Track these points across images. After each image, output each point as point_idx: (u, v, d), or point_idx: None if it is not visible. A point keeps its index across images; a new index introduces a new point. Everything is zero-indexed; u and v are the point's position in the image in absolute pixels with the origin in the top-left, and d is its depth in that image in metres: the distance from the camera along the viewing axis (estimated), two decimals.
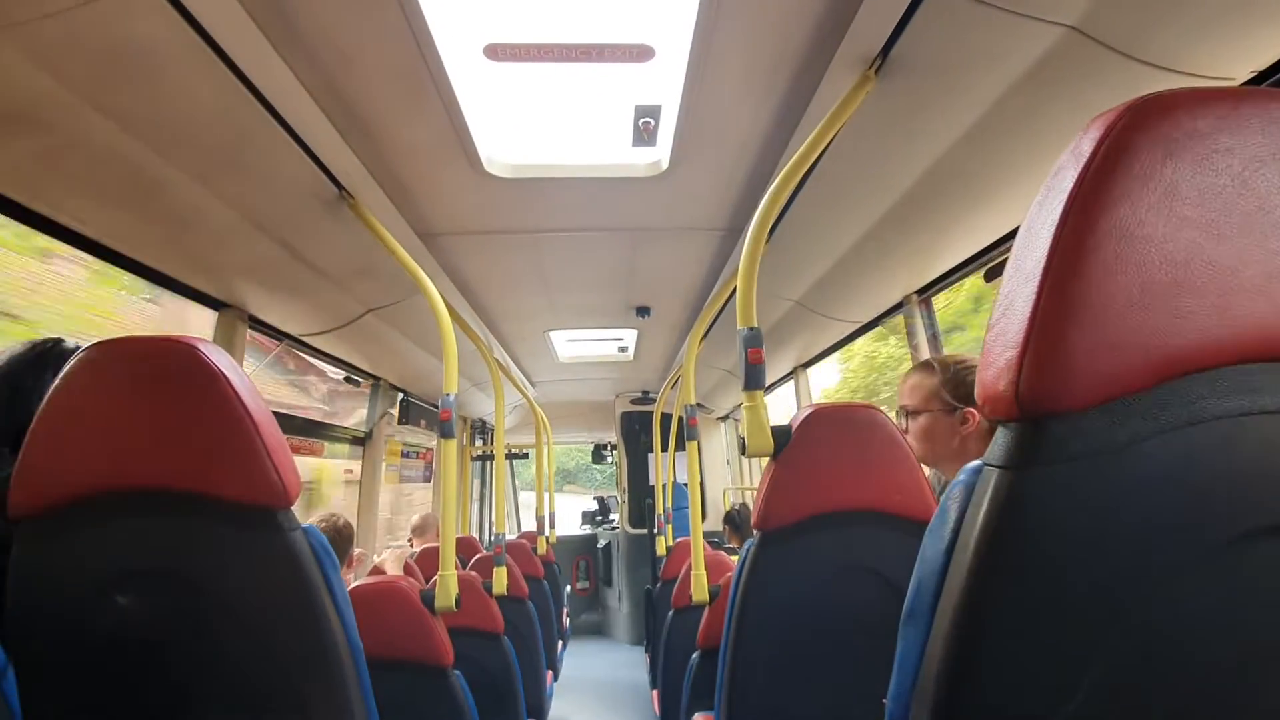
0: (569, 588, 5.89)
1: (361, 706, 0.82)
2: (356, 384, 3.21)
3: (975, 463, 0.43)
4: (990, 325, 0.42)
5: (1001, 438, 0.41)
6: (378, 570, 2.39)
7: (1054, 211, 0.39)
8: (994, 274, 1.86)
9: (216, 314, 1.96)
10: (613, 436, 5.67)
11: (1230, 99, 0.40)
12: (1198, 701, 0.38)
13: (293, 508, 0.80)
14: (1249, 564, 0.38)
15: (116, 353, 0.77)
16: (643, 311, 2.99)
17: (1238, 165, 0.39)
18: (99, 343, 0.78)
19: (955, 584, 0.40)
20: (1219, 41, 1.01)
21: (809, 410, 1.14)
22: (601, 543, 6.08)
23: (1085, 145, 0.40)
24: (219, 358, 0.78)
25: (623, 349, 3.91)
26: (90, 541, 0.76)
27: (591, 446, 6.89)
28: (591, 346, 3.87)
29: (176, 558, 0.76)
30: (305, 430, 3.00)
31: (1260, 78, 1.06)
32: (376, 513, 3.21)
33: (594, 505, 6.81)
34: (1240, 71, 1.06)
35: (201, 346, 0.77)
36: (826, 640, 1.10)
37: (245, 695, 0.77)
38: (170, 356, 0.76)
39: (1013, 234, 1.73)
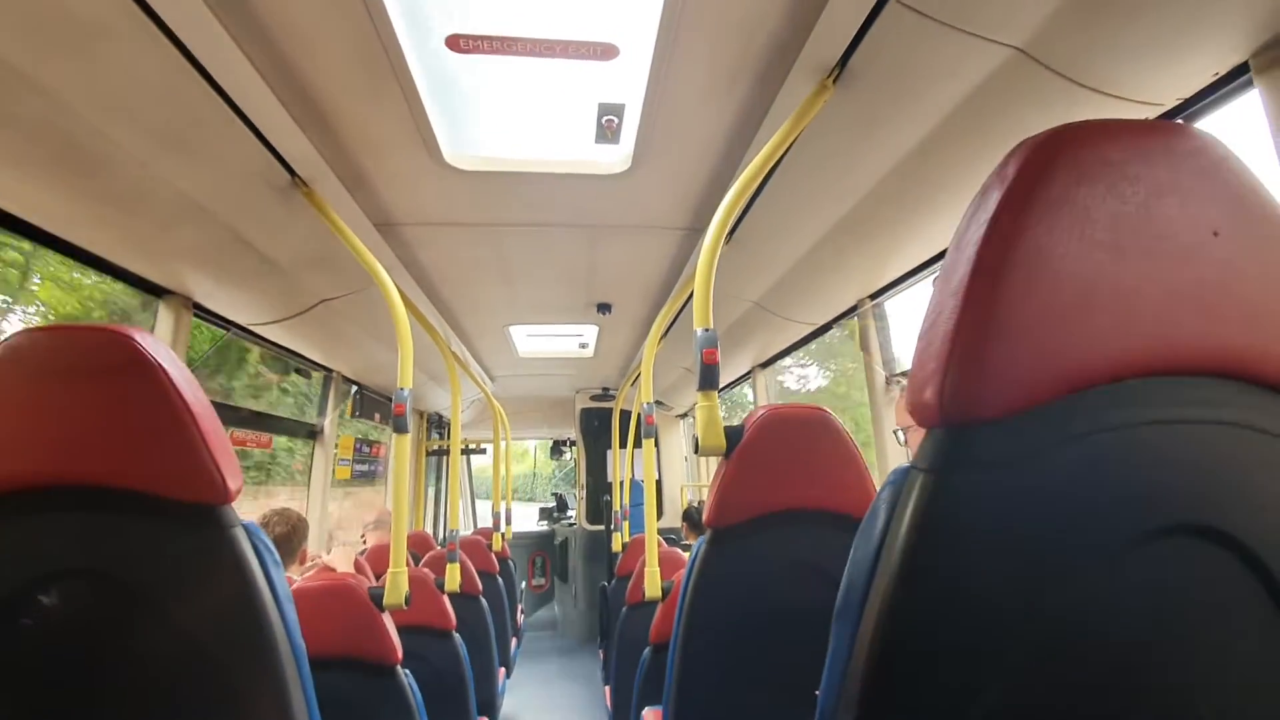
0: (524, 584, 5.86)
1: (303, 708, 0.80)
2: (307, 376, 3.13)
3: (904, 465, 0.45)
4: (920, 335, 0.45)
5: (927, 442, 0.43)
6: (326, 567, 2.34)
7: (979, 230, 0.42)
8: None
9: (159, 301, 1.89)
10: (572, 432, 5.66)
11: (1140, 131, 0.43)
12: (1103, 689, 0.41)
13: (234, 503, 0.78)
14: (1147, 562, 0.41)
15: (45, 341, 0.74)
16: (604, 308, 2.99)
17: (1143, 193, 0.42)
18: (26, 330, 0.74)
19: (882, 581, 0.42)
20: (1150, 70, 1.07)
21: (762, 411, 1.16)
22: (558, 539, 6.07)
23: (1010, 168, 0.43)
24: (156, 349, 0.75)
25: (583, 345, 3.90)
26: (12, 539, 0.73)
27: (550, 442, 6.87)
28: (552, 342, 3.85)
29: (107, 557, 0.73)
30: (252, 422, 2.91)
31: (1185, 105, 1.13)
32: (326, 508, 3.13)
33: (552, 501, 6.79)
34: (1168, 98, 1.13)
35: (138, 336, 0.74)
36: (774, 636, 1.13)
37: (180, 699, 0.74)
38: (104, 346, 0.73)
39: None
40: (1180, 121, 1.14)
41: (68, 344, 0.73)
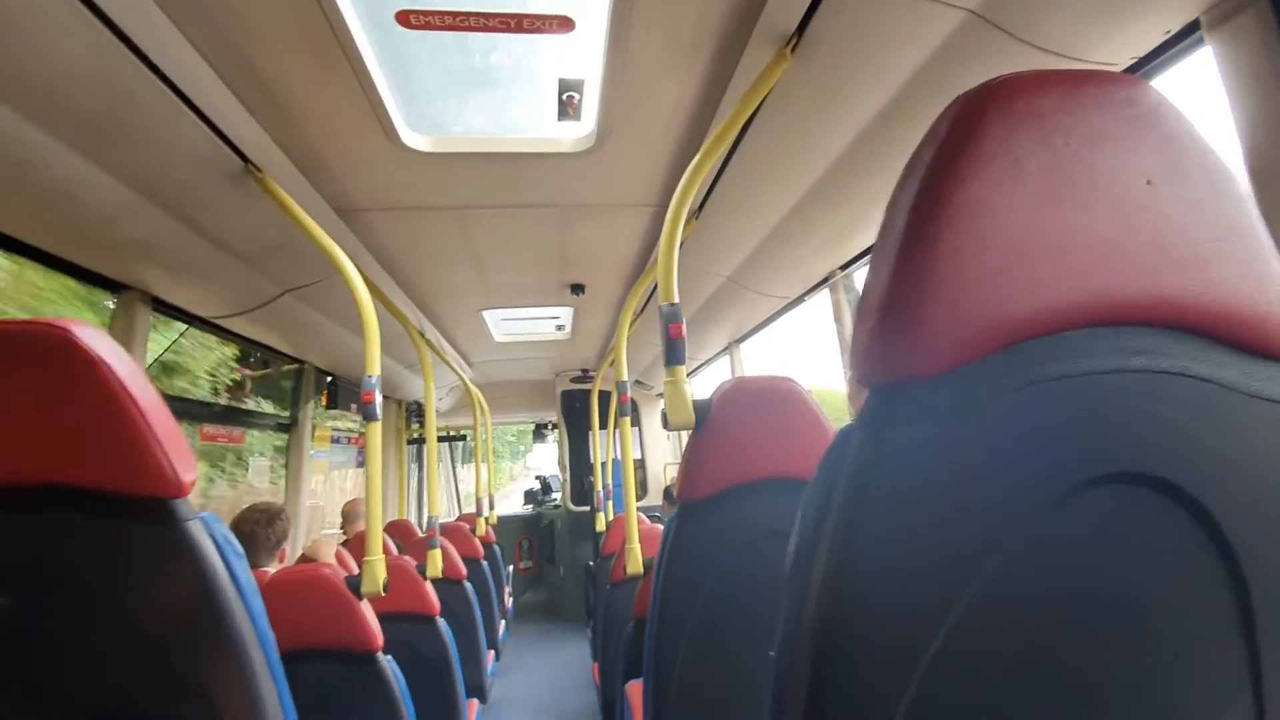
0: (512, 567, 5.89)
1: (274, 699, 0.79)
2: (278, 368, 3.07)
3: (847, 425, 0.45)
4: (860, 298, 0.45)
5: (868, 402, 0.43)
6: (307, 558, 2.32)
7: (912, 189, 0.42)
8: None
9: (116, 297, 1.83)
10: (554, 416, 5.66)
11: (1071, 81, 0.43)
12: (1047, 636, 0.41)
13: (189, 496, 0.77)
14: (1085, 511, 0.41)
15: None
16: (577, 289, 2.97)
17: (1076, 143, 0.42)
18: None
19: (826, 541, 0.42)
20: (1103, 30, 1.07)
21: (728, 384, 1.17)
22: (544, 521, 6.09)
23: (943, 125, 0.42)
24: (97, 342, 0.72)
25: (560, 327, 3.88)
26: None
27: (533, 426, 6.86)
28: (528, 325, 3.82)
29: (56, 556, 0.72)
30: (224, 417, 2.86)
31: (1139, 64, 1.13)
32: (303, 501, 3.10)
33: (536, 484, 6.81)
34: (1122, 58, 1.13)
35: (76, 330, 0.72)
36: (749, 605, 1.15)
37: (143, 697, 0.73)
38: (38, 342, 0.70)
39: None
40: (1113, 70, 1.14)
41: (1, 340, 0.71)
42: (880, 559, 0.41)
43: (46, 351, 0.71)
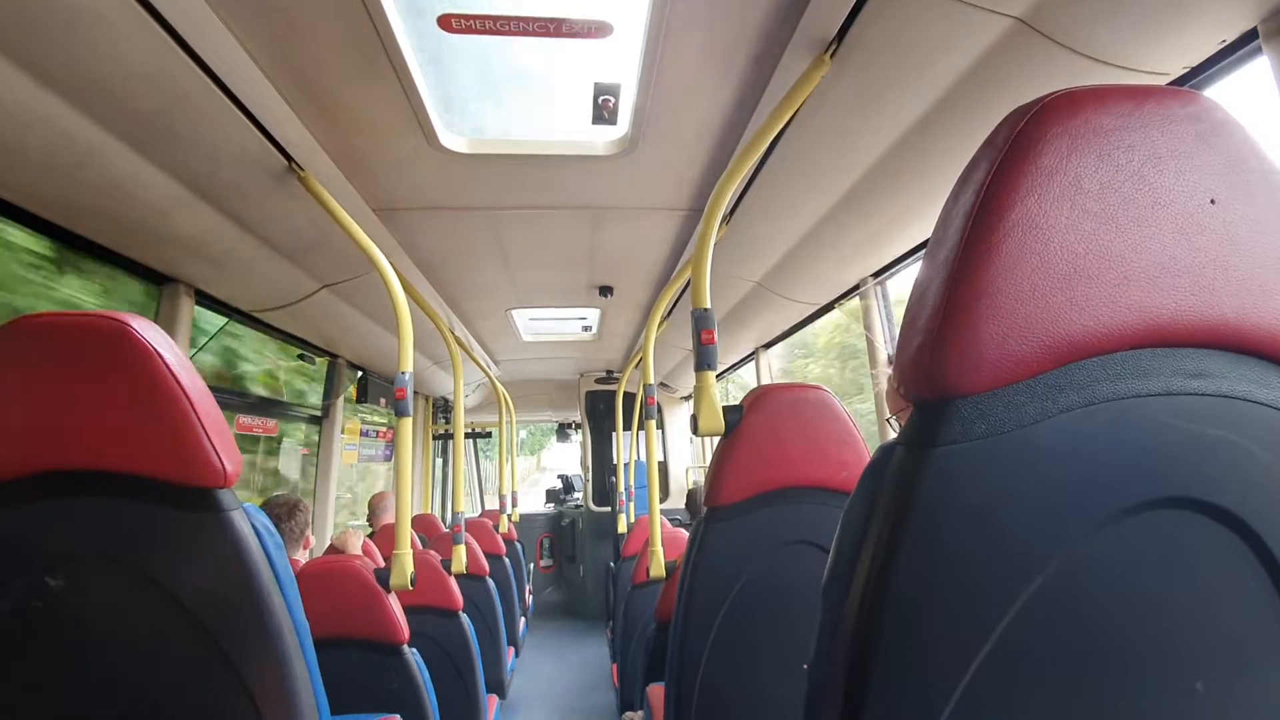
0: (533, 565, 5.93)
1: (307, 686, 0.81)
2: (312, 362, 3.14)
3: (890, 440, 0.45)
4: (907, 310, 0.44)
5: (914, 417, 0.43)
6: (335, 549, 2.37)
7: (967, 203, 0.41)
8: None
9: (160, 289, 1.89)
10: (577, 416, 5.68)
11: (1135, 97, 0.42)
12: (1091, 658, 0.41)
13: (233, 487, 0.79)
14: (1134, 534, 0.41)
15: (40, 329, 0.74)
16: (606, 291, 2.98)
17: (1137, 161, 0.41)
18: (20, 318, 0.75)
19: (867, 554, 0.42)
20: (1154, 38, 1.04)
21: (759, 391, 1.16)
22: (565, 520, 6.12)
23: (1000, 138, 0.42)
24: (151, 334, 0.75)
25: (586, 328, 3.90)
26: (16, 525, 0.74)
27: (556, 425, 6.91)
28: (555, 325, 3.85)
29: (109, 540, 0.74)
30: (259, 408, 2.93)
31: (1191, 74, 1.10)
32: (333, 493, 3.16)
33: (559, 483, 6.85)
34: (1174, 67, 1.10)
35: (132, 323, 0.75)
36: (774, 613, 1.14)
37: (184, 678, 0.76)
38: (97, 334, 0.73)
39: None
40: (1163, 80, 1.11)
41: (62, 331, 0.74)
42: (921, 577, 0.40)
43: (103, 343, 0.73)
